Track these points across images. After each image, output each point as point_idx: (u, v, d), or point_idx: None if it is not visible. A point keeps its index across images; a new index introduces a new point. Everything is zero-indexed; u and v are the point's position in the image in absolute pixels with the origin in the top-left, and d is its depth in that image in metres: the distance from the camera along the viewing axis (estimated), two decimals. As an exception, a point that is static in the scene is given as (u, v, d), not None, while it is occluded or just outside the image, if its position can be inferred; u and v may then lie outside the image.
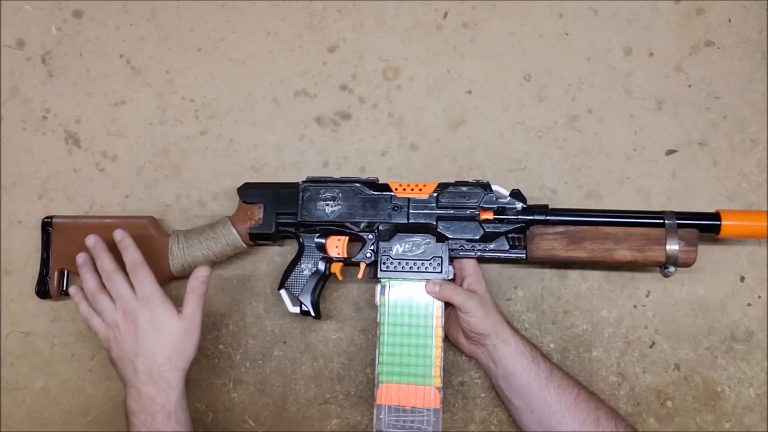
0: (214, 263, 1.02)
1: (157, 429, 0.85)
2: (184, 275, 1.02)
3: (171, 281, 1.04)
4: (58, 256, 1.03)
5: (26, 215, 1.10)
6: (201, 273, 0.91)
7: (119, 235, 0.93)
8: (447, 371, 1.03)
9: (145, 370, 0.86)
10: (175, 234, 1.01)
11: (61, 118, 1.12)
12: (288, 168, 1.09)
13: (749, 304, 1.02)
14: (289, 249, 1.06)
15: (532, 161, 1.06)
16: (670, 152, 1.05)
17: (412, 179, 1.07)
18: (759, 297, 1.02)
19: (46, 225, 1.04)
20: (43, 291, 1.04)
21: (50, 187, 1.11)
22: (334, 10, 1.11)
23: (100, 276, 0.92)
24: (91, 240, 0.94)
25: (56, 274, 1.03)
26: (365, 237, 0.96)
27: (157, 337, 0.87)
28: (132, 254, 0.92)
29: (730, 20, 1.06)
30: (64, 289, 1.04)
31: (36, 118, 1.12)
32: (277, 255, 1.07)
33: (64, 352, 1.08)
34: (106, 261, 0.92)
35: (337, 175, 1.07)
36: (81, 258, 0.94)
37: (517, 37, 1.09)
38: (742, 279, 1.02)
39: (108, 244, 0.94)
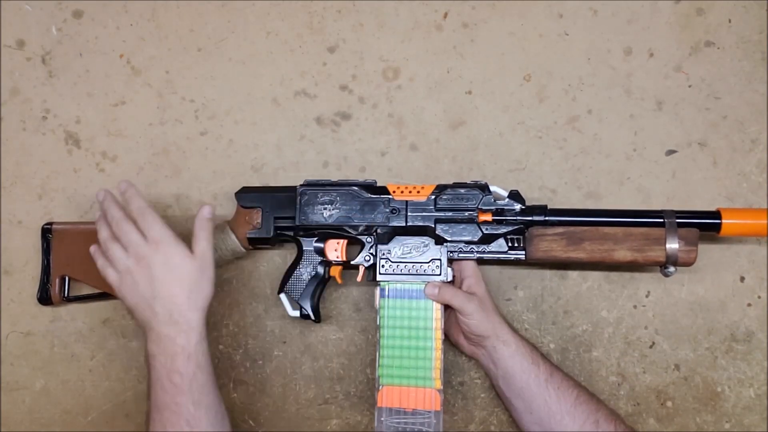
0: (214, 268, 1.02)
1: (176, 370, 0.84)
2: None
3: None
4: (59, 263, 1.03)
5: (26, 215, 1.10)
6: (206, 209, 0.91)
7: (123, 186, 0.93)
8: (447, 372, 1.03)
9: (164, 312, 0.85)
10: (175, 239, 1.01)
11: (61, 118, 1.12)
12: (288, 168, 1.09)
13: (749, 304, 1.02)
14: (289, 250, 1.06)
15: (532, 161, 1.06)
16: (670, 152, 1.05)
17: (412, 179, 1.07)
18: (759, 297, 1.02)
19: (46, 232, 1.04)
20: (44, 298, 1.04)
21: (50, 187, 1.11)
22: (334, 10, 1.11)
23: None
24: (101, 194, 0.93)
25: (57, 280, 1.03)
26: (364, 240, 0.96)
27: (174, 278, 0.86)
28: (136, 201, 0.90)
29: (730, 20, 1.06)
30: (66, 295, 1.04)
31: (36, 118, 1.12)
32: (277, 255, 1.07)
33: (64, 352, 1.08)
34: (113, 210, 0.91)
35: (337, 176, 1.07)
36: (97, 214, 0.94)
37: (517, 37, 1.08)
38: (742, 279, 1.02)
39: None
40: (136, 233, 0.88)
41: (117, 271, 0.89)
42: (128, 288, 0.88)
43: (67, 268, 1.03)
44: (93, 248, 0.94)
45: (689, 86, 1.06)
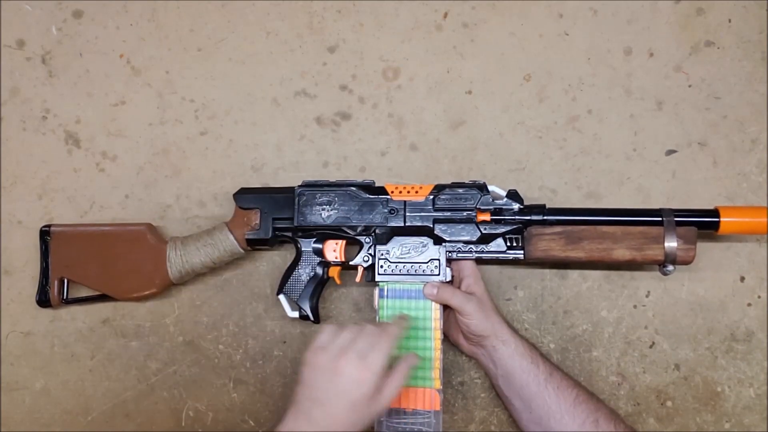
0: (213, 269, 1.02)
1: None
2: (182, 282, 1.02)
3: (169, 287, 1.04)
4: (58, 265, 1.03)
5: (26, 215, 1.10)
6: (413, 359, 0.87)
7: (403, 316, 0.92)
8: (447, 371, 1.02)
9: (318, 421, 0.81)
10: (173, 241, 1.01)
11: (61, 118, 1.12)
12: (288, 168, 1.09)
13: (749, 304, 1.02)
14: (288, 250, 1.06)
15: (532, 161, 1.06)
16: (670, 152, 1.05)
17: (412, 179, 1.07)
18: (759, 297, 1.02)
19: (45, 234, 1.03)
20: (43, 300, 1.04)
21: (50, 187, 1.11)
22: (334, 10, 1.11)
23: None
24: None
25: (56, 282, 1.03)
26: (362, 240, 0.96)
27: (348, 405, 0.80)
28: (393, 326, 0.87)
29: (730, 20, 1.06)
30: (65, 297, 1.04)
31: (36, 118, 1.12)
32: (276, 255, 1.07)
33: (64, 352, 1.08)
34: (388, 323, 0.89)
35: (337, 176, 1.07)
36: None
37: (517, 37, 1.08)
38: (742, 279, 1.02)
39: (104, 251, 0.98)
40: (368, 342, 0.83)
41: (328, 342, 0.84)
42: (316, 361, 0.83)
43: (66, 270, 1.03)
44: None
45: (689, 86, 1.06)
